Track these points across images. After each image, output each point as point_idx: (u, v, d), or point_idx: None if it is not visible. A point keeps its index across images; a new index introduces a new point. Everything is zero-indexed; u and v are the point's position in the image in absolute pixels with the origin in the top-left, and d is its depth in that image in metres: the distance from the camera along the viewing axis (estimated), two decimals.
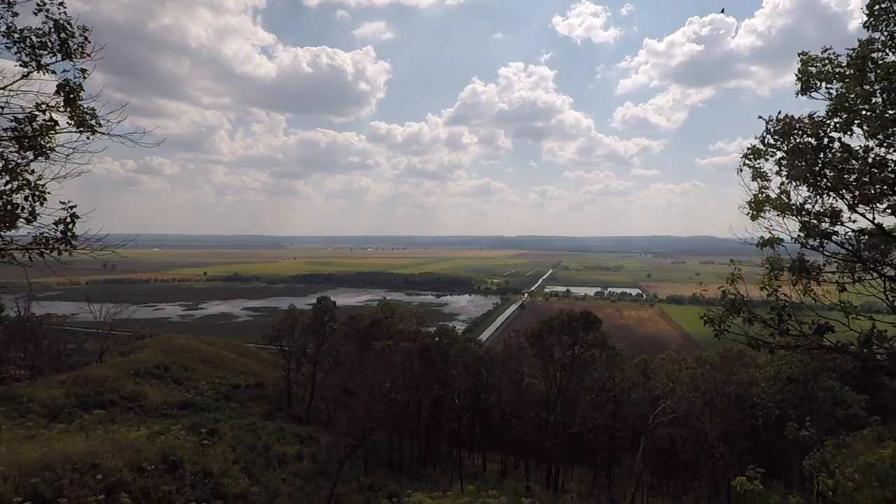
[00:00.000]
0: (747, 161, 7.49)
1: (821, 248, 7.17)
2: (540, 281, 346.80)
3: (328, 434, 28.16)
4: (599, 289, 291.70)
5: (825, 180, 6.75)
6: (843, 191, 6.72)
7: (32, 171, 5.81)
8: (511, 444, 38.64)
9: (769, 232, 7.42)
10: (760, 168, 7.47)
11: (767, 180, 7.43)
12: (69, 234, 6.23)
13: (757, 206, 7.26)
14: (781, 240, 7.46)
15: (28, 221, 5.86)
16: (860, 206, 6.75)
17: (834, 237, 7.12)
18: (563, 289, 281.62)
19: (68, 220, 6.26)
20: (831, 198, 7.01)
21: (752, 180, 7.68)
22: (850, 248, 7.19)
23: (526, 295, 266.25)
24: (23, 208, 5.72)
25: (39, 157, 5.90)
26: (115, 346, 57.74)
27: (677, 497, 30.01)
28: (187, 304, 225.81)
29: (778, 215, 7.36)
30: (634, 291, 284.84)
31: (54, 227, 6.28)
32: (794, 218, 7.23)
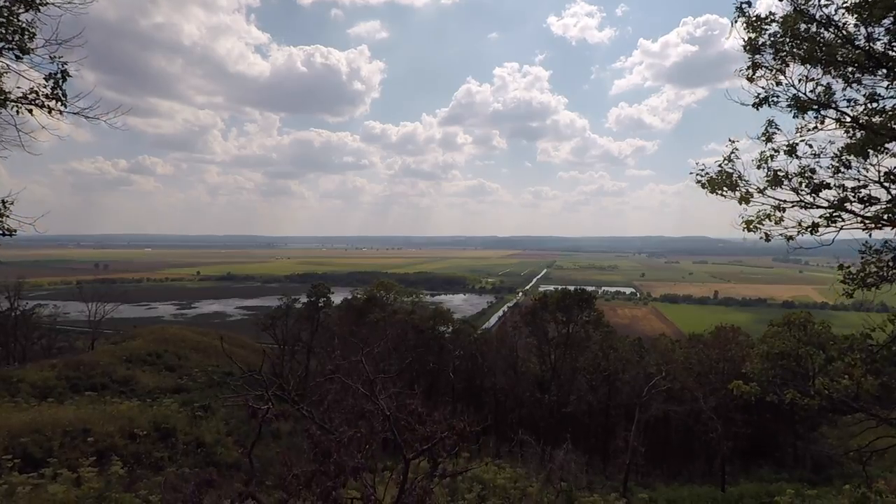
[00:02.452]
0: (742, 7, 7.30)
1: (817, 120, 7.14)
2: (534, 280, 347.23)
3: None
4: (594, 288, 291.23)
5: (817, 51, 6.67)
6: (833, 67, 6.67)
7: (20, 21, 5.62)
8: (506, 428, 38.62)
9: (765, 92, 7.38)
10: (754, 16, 7.26)
11: (766, 25, 7.13)
12: (59, 90, 6.06)
13: (752, 52, 7.12)
14: (778, 96, 7.42)
15: (17, 58, 5.72)
16: (854, 83, 6.73)
17: (831, 108, 7.07)
18: (558, 287, 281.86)
19: (59, 75, 6.09)
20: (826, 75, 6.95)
21: (745, 29, 7.38)
22: (850, 119, 7.08)
23: (520, 294, 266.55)
24: (9, 39, 5.56)
25: (30, 10, 5.72)
26: (107, 340, 57.22)
27: (671, 476, 30.08)
28: (180, 304, 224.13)
29: (773, 76, 7.28)
30: (628, 290, 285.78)
31: (45, 82, 6.10)
32: (792, 87, 7.13)
